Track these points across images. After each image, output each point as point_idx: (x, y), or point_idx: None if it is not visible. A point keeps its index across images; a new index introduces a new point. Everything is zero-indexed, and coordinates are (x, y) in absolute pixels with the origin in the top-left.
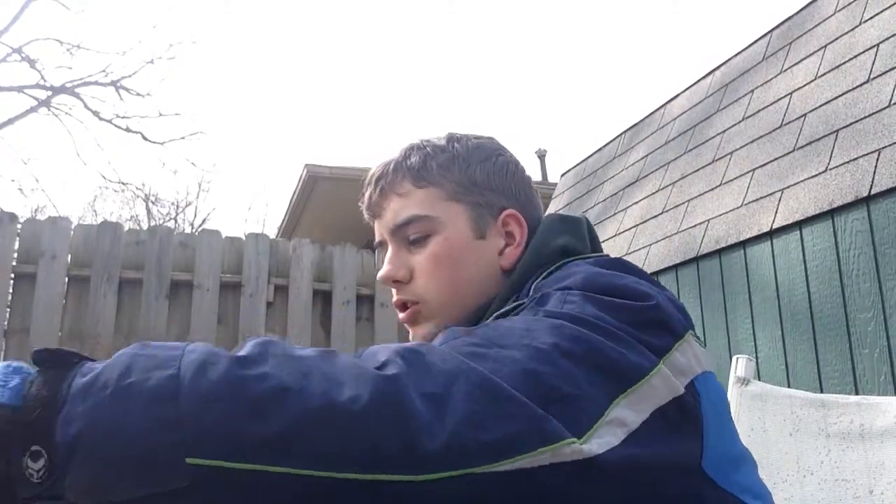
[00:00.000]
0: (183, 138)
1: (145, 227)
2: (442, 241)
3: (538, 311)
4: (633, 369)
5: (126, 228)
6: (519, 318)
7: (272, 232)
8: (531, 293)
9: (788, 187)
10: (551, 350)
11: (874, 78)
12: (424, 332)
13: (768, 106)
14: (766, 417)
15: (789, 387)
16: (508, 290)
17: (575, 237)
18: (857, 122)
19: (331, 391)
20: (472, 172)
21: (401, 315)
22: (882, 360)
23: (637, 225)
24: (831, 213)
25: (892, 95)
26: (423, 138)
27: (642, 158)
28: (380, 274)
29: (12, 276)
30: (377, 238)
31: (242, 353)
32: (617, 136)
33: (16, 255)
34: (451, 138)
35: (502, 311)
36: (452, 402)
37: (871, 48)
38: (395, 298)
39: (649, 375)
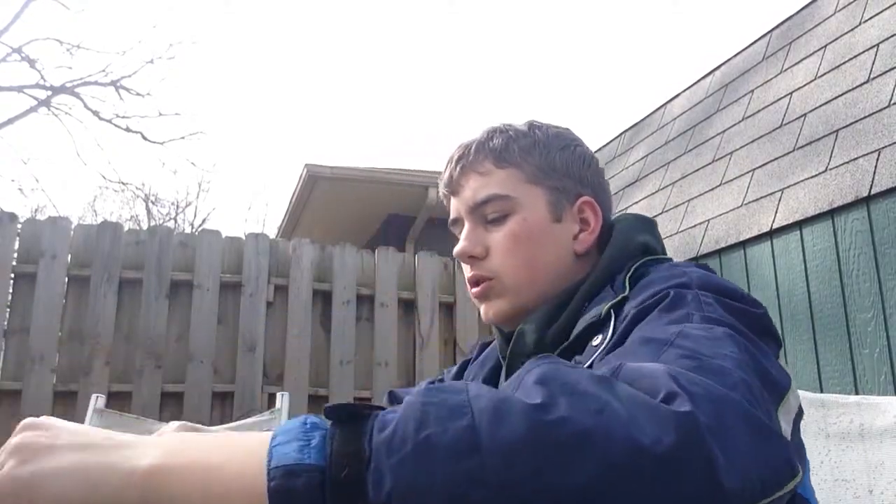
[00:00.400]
0: (183, 138)
1: (145, 227)
2: (520, 220)
3: (691, 314)
4: (780, 383)
5: (126, 228)
6: (692, 326)
7: (272, 232)
8: (633, 288)
9: (788, 187)
10: (748, 365)
11: (874, 78)
12: (496, 309)
13: (768, 106)
14: None
15: None
16: (597, 279)
17: (653, 236)
18: (856, 122)
19: (633, 433)
20: (552, 158)
21: (473, 290)
22: (882, 360)
23: None
24: (831, 213)
25: (892, 95)
26: (504, 123)
27: (642, 158)
28: (457, 249)
29: (12, 275)
30: (452, 215)
31: (533, 395)
32: (617, 136)
33: (16, 254)
34: (532, 125)
35: (612, 301)
36: (732, 436)
37: (870, 48)
38: (469, 274)
39: (790, 390)
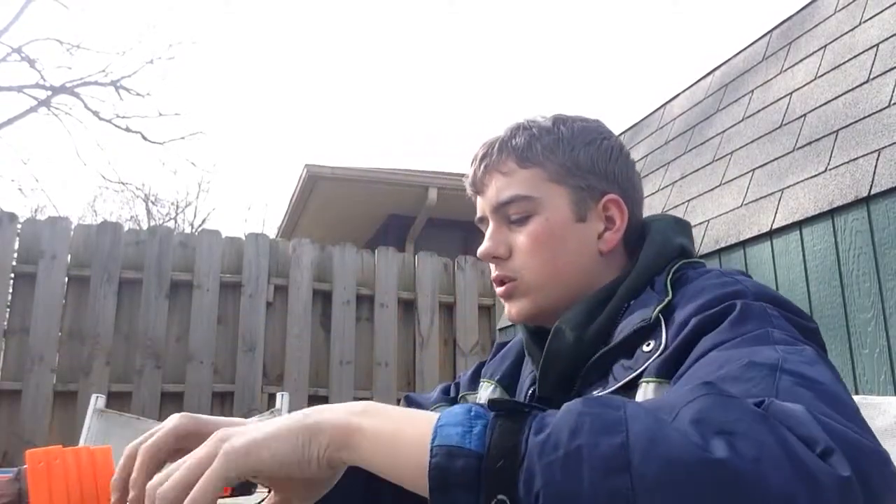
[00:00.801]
0: (183, 138)
1: (145, 227)
2: (543, 221)
3: (770, 332)
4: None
5: (126, 228)
6: (785, 349)
7: (272, 232)
8: (675, 291)
9: (788, 187)
10: (843, 386)
11: (874, 78)
12: (519, 308)
13: (768, 106)
14: None
15: None
16: (637, 279)
17: (689, 239)
18: (856, 122)
19: (791, 490)
20: (576, 155)
21: (498, 289)
22: (882, 361)
23: None
24: (831, 213)
25: (892, 95)
26: (529, 119)
27: (642, 158)
28: (480, 249)
29: (12, 275)
30: (478, 214)
31: (691, 429)
32: (617, 136)
33: (16, 255)
34: (557, 120)
35: (658, 306)
36: (882, 497)
37: (870, 48)
38: (493, 274)
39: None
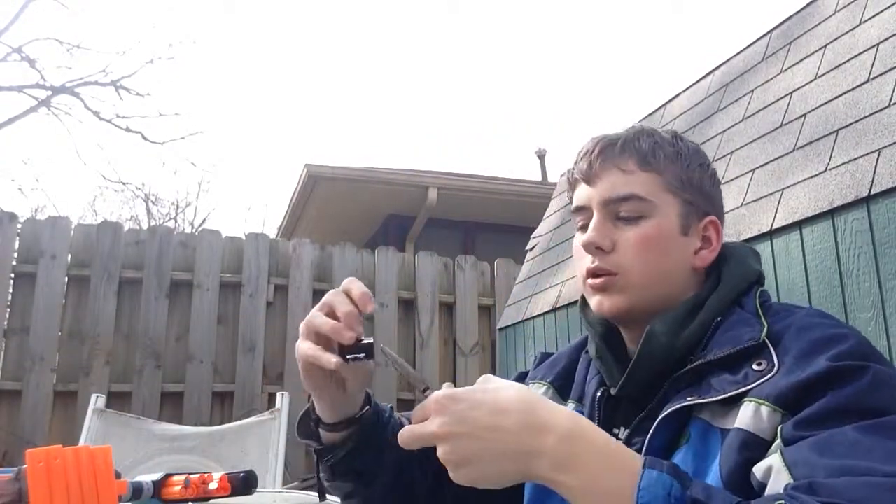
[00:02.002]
0: (183, 138)
1: (145, 226)
2: (654, 225)
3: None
4: None
5: (126, 228)
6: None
7: (272, 232)
8: (766, 315)
9: (788, 187)
10: None
11: (874, 78)
12: (613, 303)
13: (768, 106)
14: None
15: None
16: (725, 296)
17: (760, 267)
18: (857, 121)
19: None
20: (691, 172)
21: (592, 281)
22: None
23: None
24: (831, 213)
25: (892, 95)
26: (649, 127)
27: None
28: (585, 239)
29: (12, 275)
30: (578, 202)
31: None
32: None
33: (16, 254)
34: (676, 136)
35: (761, 331)
36: None
37: (871, 48)
38: (590, 265)
39: None
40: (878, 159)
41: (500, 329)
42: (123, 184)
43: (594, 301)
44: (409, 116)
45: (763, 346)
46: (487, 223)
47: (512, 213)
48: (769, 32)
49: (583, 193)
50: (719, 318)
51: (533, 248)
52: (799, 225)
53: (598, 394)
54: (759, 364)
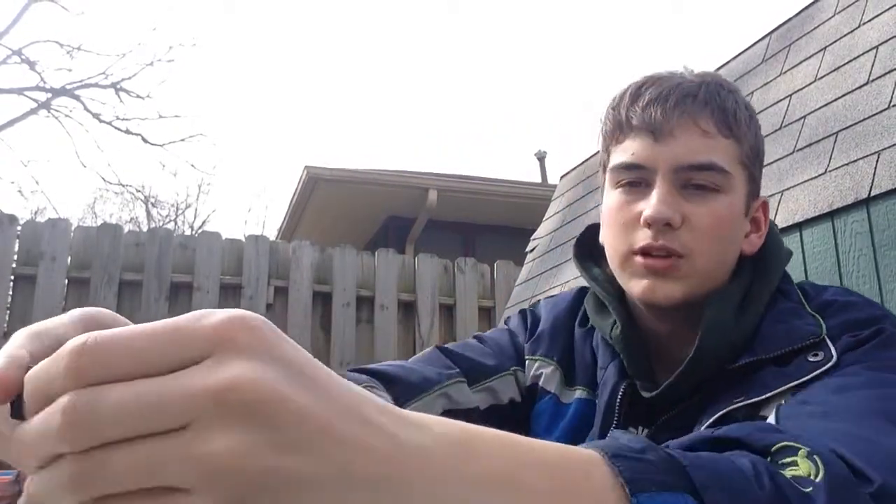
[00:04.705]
0: (183, 140)
1: (145, 229)
2: (728, 203)
3: None
4: None
5: (126, 230)
6: None
7: (272, 234)
8: (813, 307)
9: (788, 189)
10: None
11: (874, 80)
12: (666, 292)
13: (768, 108)
14: None
15: None
16: (767, 287)
17: None
18: (856, 123)
19: None
20: (760, 143)
21: (648, 261)
22: None
23: None
24: (831, 215)
25: (892, 97)
26: (721, 78)
27: None
28: (653, 210)
29: (12, 277)
30: (630, 157)
31: None
32: None
33: (16, 256)
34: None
35: (821, 326)
36: None
37: (870, 50)
38: (656, 241)
39: None
40: (877, 161)
41: None
42: (123, 186)
43: (642, 284)
44: (409, 117)
45: (822, 341)
46: (487, 225)
47: (512, 214)
48: (768, 34)
49: (644, 149)
50: (762, 311)
51: (533, 249)
52: (799, 227)
53: (622, 390)
54: (816, 356)
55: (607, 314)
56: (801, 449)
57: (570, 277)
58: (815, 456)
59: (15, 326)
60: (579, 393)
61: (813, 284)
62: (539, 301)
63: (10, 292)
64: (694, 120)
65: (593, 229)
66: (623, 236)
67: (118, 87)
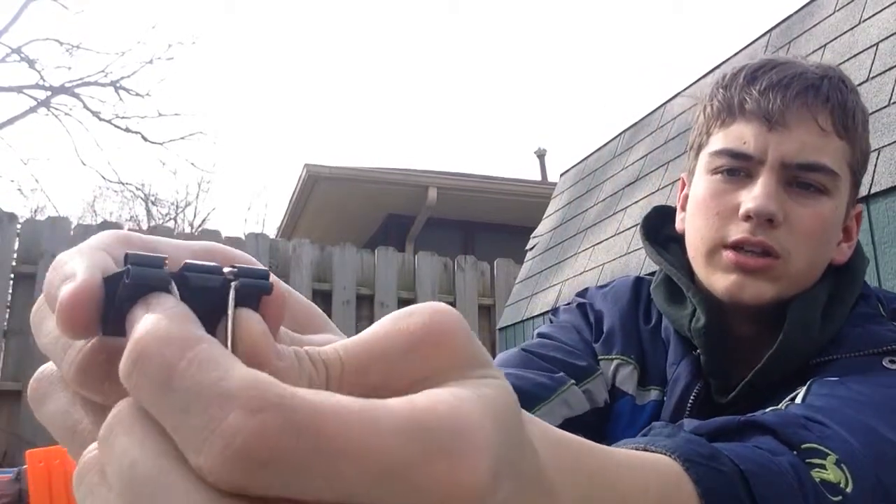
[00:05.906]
0: (183, 138)
1: (145, 227)
2: (832, 207)
3: None
4: None
5: (126, 229)
6: None
7: (272, 232)
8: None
9: None
10: None
11: (873, 77)
12: (757, 292)
13: None
14: None
15: None
16: (851, 294)
17: None
18: None
19: None
20: (869, 149)
21: (742, 258)
22: None
23: (637, 225)
24: None
25: (892, 95)
26: (840, 70)
27: (642, 158)
28: (759, 204)
29: (12, 276)
30: (736, 144)
31: None
32: (616, 136)
33: (16, 255)
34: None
35: (894, 337)
36: None
37: (870, 47)
38: (754, 237)
39: None
40: (877, 158)
41: (500, 329)
42: (123, 184)
43: (729, 280)
44: (409, 115)
45: None
46: (487, 223)
47: (512, 212)
48: (769, 31)
49: (754, 137)
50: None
51: (533, 247)
52: None
53: (696, 392)
54: (893, 362)
55: (683, 305)
56: (829, 455)
57: (571, 275)
58: (843, 465)
59: (15, 325)
60: (654, 394)
61: (885, 291)
62: (587, 291)
63: (10, 291)
64: (813, 114)
65: (661, 211)
66: (715, 226)
67: (118, 85)
